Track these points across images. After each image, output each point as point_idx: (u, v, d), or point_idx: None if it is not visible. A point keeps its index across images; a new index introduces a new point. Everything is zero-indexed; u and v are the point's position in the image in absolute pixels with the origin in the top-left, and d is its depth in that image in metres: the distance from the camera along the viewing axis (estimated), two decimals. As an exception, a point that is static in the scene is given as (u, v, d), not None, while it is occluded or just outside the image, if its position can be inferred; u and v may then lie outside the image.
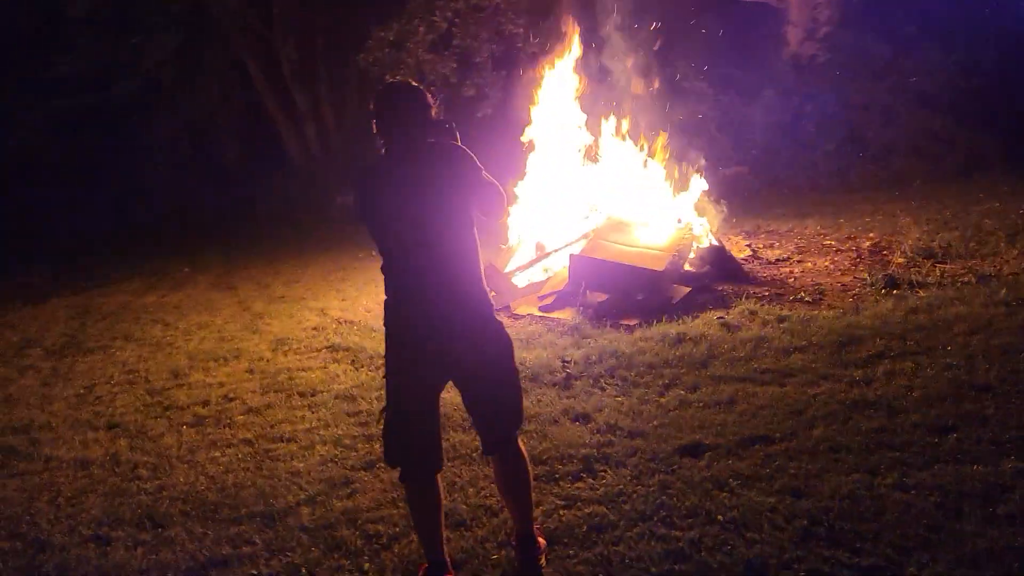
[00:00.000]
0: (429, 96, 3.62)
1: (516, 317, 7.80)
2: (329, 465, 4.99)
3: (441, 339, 3.47)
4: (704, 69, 14.77)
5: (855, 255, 9.18)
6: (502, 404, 3.61)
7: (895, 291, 7.36)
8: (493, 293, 8.03)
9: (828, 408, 5.03)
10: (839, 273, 8.43)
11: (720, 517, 3.95)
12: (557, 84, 9.14)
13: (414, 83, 3.65)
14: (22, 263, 13.77)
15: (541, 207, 9.03)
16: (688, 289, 7.89)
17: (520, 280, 8.77)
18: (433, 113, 3.63)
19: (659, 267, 7.59)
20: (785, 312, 6.92)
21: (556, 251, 8.50)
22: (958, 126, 13.95)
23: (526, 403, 5.34)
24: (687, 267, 8.39)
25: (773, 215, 12.07)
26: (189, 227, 16.41)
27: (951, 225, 9.84)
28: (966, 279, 7.49)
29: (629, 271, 7.66)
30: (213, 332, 8.66)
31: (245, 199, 17.49)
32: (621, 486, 4.35)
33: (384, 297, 3.61)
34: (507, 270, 8.91)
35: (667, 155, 9.11)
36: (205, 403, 6.39)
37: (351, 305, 9.20)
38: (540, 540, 3.82)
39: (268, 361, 7.33)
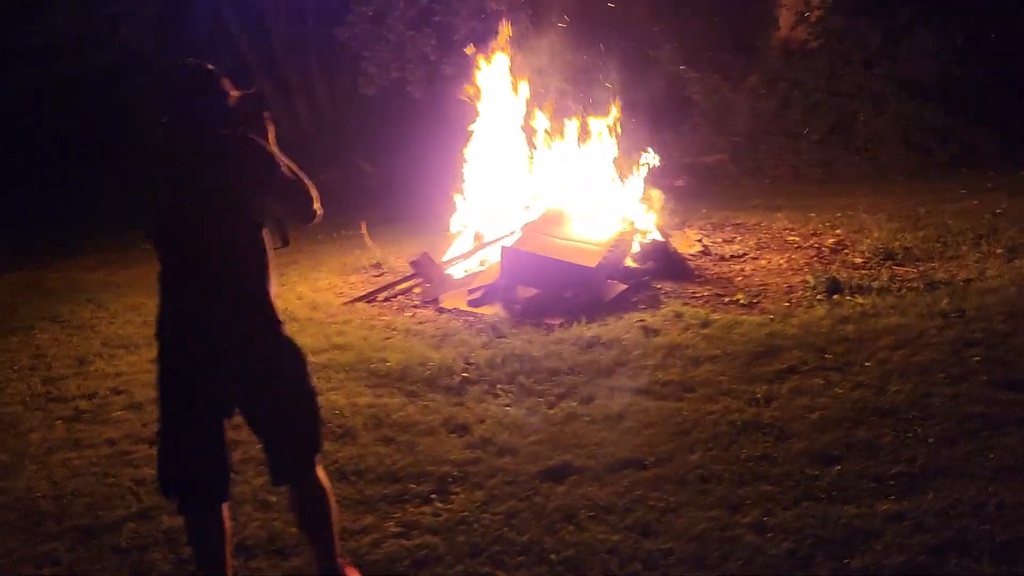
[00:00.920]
0: (227, 82, 3.23)
1: (442, 311, 7.46)
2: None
3: (217, 356, 3.10)
4: (681, 51, 14.22)
5: (814, 253, 8.76)
6: (293, 431, 3.25)
7: (836, 296, 6.90)
8: (427, 285, 7.69)
9: (716, 429, 4.64)
10: (790, 272, 8.02)
11: (553, 556, 3.60)
12: (502, 66, 8.70)
13: (210, 66, 3.25)
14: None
15: (483, 194, 8.62)
16: (624, 287, 7.51)
17: (458, 270, 8.39)
18: (232, 101, 3.24)
19: (591, 263, 7.20)
20: (713, 316, 6.52)
21: (493, 242, 8.11)
22: (951, 117, 13.36)
23: (413, 409, 5.04)
24: (629, 263, 7.98)
25: (746, 207, 11.63)
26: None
27: (922, 223, 9.39)
28: (915, 285, 7.05)
29: (560, 266, 7.27)
30: (140, 315, 8.34)
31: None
32: (466, 512, 3.99)
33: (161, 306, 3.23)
34: (445, 259, 8.54)
35: (618, 142, 8.64)
36: (91, 396, 6.08)
37: (288, 291, 8.85)
38: (349, 574, 3.46)
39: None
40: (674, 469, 4.25)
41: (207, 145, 3.11)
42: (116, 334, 7.72)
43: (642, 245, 7.95)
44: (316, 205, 3.28)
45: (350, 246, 10.20)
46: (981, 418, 4.50)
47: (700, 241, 8.65)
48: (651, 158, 8.57)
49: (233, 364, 3.12)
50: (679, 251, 8.43)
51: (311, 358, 6.24)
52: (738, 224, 10.43)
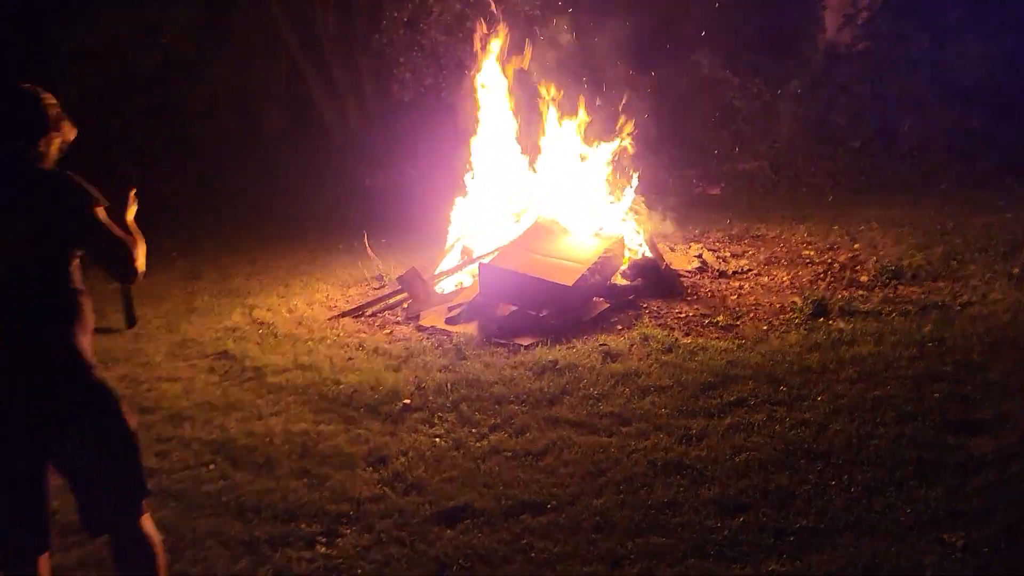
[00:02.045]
0: (52, 112, 3.10)
1: (421, 328, 7.30)
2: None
3: (16, 401, 2.97)
4: (726, 56, 13.80)
5: (823, 270, 8.38)
6: (105, 478, 3.10)
7: (821, 319, 6.55)
8: (411, 301, 7.55)
9: (635, 470, 4.39)
10: (789, 292, 7.67)
11: (408, 611, 3.38)
12: (499, 73, 8.50)
13: (41, 92, 3.12)
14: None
15: (477, 206, 8.44)
16: (607, 305, 7.25)
17: (449, 285, 8.24)
18: (61, 135, 3.11)
19: (568, 282, 6.96)
20: (683, 340, 6.25)
21: (481, 257, 7.92)
22: (998, 123, 12.68)
23: (344, 439, 4.92)
24: (619, 280, 7.71)
25: (773, 217, 11.23)
26: (209, 203, 16.18)
27: (944, 238, 8.92)
28: (908, 308, 6.65)
29: (537, 284, 7.06)
30: (131, 330, 8.35)
31: (277, 175, 17.23)
32: (342, 560, 3.84)
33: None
34: (436, 272, 8.40)
35: (620, 154, 8.37)
36: None
37: (283, 303, 8.82)
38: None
39: (147, 367, 6.97)
40: (573, 515, 4.01)
41: (16, 176, 2.99)
42: (102, 347, 7.70)
43: (631, 262, 7.66)
44: (138, 265, 3.13)
45: (363, 256, 10.09)
46: (916, 464, 4.16)
47: (699, 256, 8.30)
48: (635, 174, 8.19)
49: (35, 410, 2.99)
50: (675, 268, 8.12)
51: (271, 379, 6.23)
52: (757, 236, 10.07)
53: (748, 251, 9.32)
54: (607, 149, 8.29)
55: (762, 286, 7.89)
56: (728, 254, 9.09)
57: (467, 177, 8.60)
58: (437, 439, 5.06)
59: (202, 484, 4.72)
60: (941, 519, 3.69)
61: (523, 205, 8.21)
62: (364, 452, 4.96)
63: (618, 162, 8.41)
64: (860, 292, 7.28)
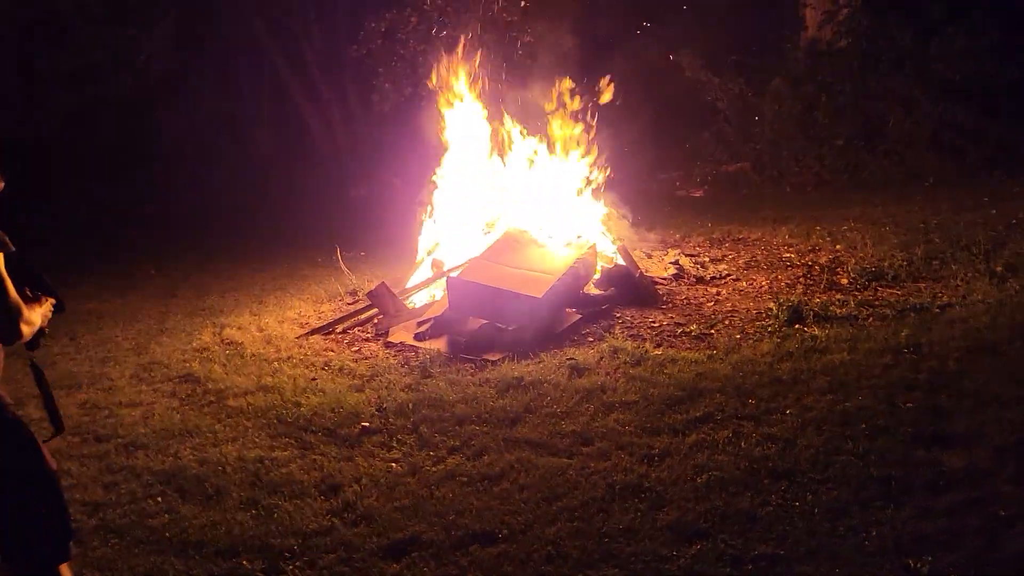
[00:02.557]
0: None
1: (389, 345, 7.12)
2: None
3: None
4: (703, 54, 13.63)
5: (804, 273, 8.21)
6: (21, 523, 2.92)
7: (797, 325, 6.37)
8: (380, 316, 7.37)
9: (592, 494, 4.21)
10: (767, 296, 7.50)
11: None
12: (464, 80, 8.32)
13: None
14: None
15: (448, 219, 8.25)
16: (579, 316, 7.07)
17: (422, 298, 8.06)
18: None
19: (537, 293, 6.78)
20: (654, 352, 6.07)
21: (451, 271, 7.74)
22: (986, 117, 12.49)
23: (298, 466, 4.76)
24: (592, 289, 7.53)
25: (756, 218, 11.07)
26: (192, 220, 16.01)
27: (928, 236, 8.75)
28: (885, 311, 6.48)
29: (506, 297, 6.88)
30: (97, 352, 8.18)
31: (263, 190, 17.06)
32: (280, 599, 3.61)
33: None
34: (408, 286, 8.22)
35: (593, 161, 8.19)
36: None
37: (255, 321, 8.63)
38: None
39: (110, 392, 6.79)
40: (524, 545, 3.83)
41: None
42: (53, 375, 7.51)
43: (604, 270, 7.47)
44: (22, 328, 2.93)
45: (339, 271, 9.91)
46: (883, 483, 3.98)
47: (676, 263, 8.11)
48: (601, 177, 8.00)
49: None
50: (651, 275, 7.93)
51: (232, 402, 6.04)
52: (739, 239, 9.90)
53: (728, 255, 9.15)
54: (577, 155, 8.10)
55: (740, 292, 7.71)
56: (707, 259, 8.92)
57: (435, 188, 8.40)
58: (393, 464, 4.87)
59: (147, 518, 4.54)
60: (906, 543, 3.50)
61: (494, 215, 8.01)
62: (317, 480, 4.77)
63: (591, 168, 8.22)
64: (838, 296, 7.10)
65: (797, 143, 13.35)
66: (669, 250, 9.00)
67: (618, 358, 5.98)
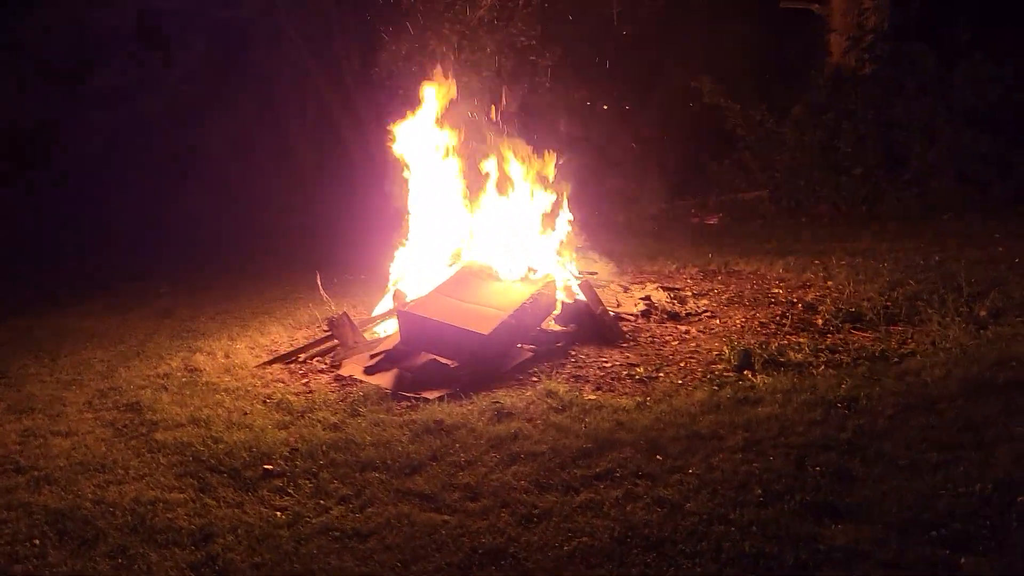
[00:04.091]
0: None
1: (338, 378, 6.96)
2: None
3: None
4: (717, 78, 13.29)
5: (784, 311, 7.89)
6: None
7: (746, 371, 6.07)
8: (339, 347, 7.23)
9: (453, 557, 4.00)
10: (736, 336, 7.18)
11: None
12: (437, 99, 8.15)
13: None
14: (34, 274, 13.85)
15: (417, 248, 8.09)
16: (529, 354, 6.84)
17: (389, 328, 7.91)
18: None
19: (485, 330, 6.58)
20: (586, 397, 5.84)
21: (406, 304, 7.56)
22: (1013, 148, 11.95)
23: (186, 510, 4.66)
24: (553, 326, 7.30)
25: (759, 250, 10.73)
26: (215, 242, 16.09)
27: (922, 274, 8.33)
28: (843, 358, 6.16)
29: (453, 332, 6.70)
30: (68, 375, 8.19)
31: (295, 211, 17.11)
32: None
33: None
34: (373, 315, 8.07)
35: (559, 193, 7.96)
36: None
37: (227, 347, 8.56)
38: None
39: (55, 418, 6.76)
40: (361, 613, 3.60)
41: None
42: (28, 394, 7.54)
43: (564, 306, 7.23)
44: None
45: (331, 294, 9.79)
46: (752, 560, 3.67)
47: (647, 299, 7.82)
48: (567, 215, 7.76)
49: None
50: (620, 310, 7.67)
51: (159, 435, 5.93)
52: (734, 271, 9.60)
53: (716, 289, 8.86)
54: (541, 189, 7.87)
55: (710, 331, 7.42)
56: (690, 293, 8.63)
57: (407, 217, 8.24)
58: (278, 513, 4.70)
59: (14, 563, 4.43)
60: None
61: (458, 247, 7.82)
62: (196, 527, 4.63)
63: (556, 200, 7.99)
64: (803, 339, 6.78)
65: (816, 172, 12.91)
66: (647, 283, 8.69)
67: (546, 402, 5.74)
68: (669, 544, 3.87)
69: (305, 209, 17.02)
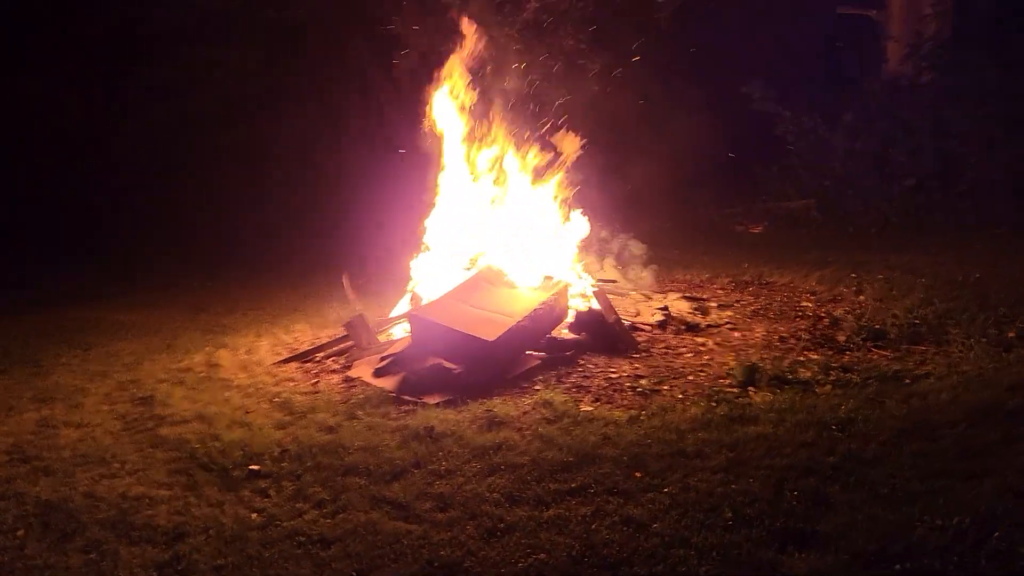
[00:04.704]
0: None
1: (348, 380, 6.98)
2: None
3: None
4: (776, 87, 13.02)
5: (809, 325, 7.72)
6: None
7: (750, 388, 5.92)
8: (354, 348, 7.27)
9: (408, 569, 3.99)
10: (752, 351, 7.04)
11: None
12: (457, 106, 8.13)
13: None
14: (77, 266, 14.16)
15: (438, 251, 8.08)
16: (537, 361, 6.78)
17: (403, 330, 7.92)
18: None
19: (490, 336, 6.53)
20: (582, 408, 5.77)
21: (423, 307, 7.55)
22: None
23: (169, 508, 4.74)
24: (565, 333, 7.23)
25: (797, 260, 10.48)
26: (263, 235, 16.19)
27: (957, 292, 8.09)
28: (853, 378, 5.98)
29: (460, 338, 6.67)
30: (95, 366, 8.36)
31: (345, 208, 17.18)
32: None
33: None
34: (391, 316, 8.09)
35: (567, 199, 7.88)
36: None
37: (251, 344, 8.66)
38: None
39: (73, 409, 6.89)
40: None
41: None
42: (55, 383, 7.70)
43: (576, 314, 7.15)
44: None
45: (363, 294, 9.81)
46: (701, 586, 3.55)
47: (664, 309, 7.69)
48: (583, 221, 7.66)
49: None
50: (638, 320, 7.55)
51: (164, 431, 6.01)
52: (766, 283, 9.42)
53: (744, 300, 8.69)
54: (555, 191, 7.79)
55: (727, 343, 7.28)
56: (716, 304, 8.47)
57: (427, 220, 8.23)
58: (254, 514, 4.72)
59: (-7, 553, 4.50)
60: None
61: (478, 251, 7.78)
62: (172, 526, 4.67)
63: (574, 205, 7.91)
64: (815, 356, 6.59)
65: (868, 182, 12.57)
66: (672, 293, 8.55)
67: (540, 412, 5.67)
68: (625, 566, 3.78)
69: (354, 207, 17.08)
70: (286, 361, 7.70)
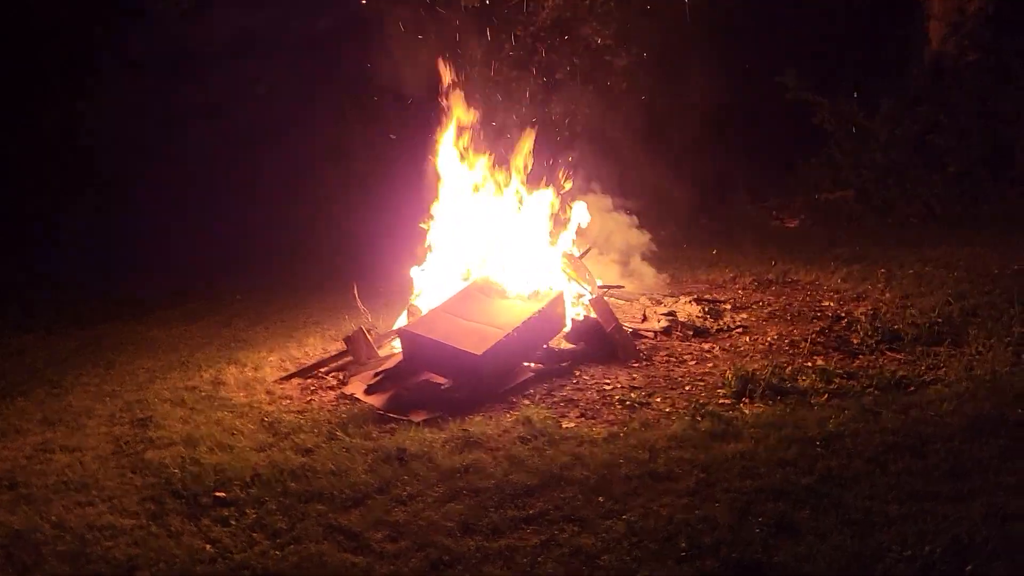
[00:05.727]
0: None
1: (342, 396, 6.86)
2: None
3: None
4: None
5: (825, 327, 7.37)
6: None
7: (743, 399, 5.63)
8: (353, 364, 7.15)
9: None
10: (758, 356, 6.74)
11: None
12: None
13: None
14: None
15: (436, 263, 7.91)
16: (531, 374, 6.56)
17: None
18: None
19: (478, 350, 6.34)
20: (566, 425, 5.56)
21: (416, 320, 7.39)
22: None
23: (129, 540, 4.63)
24: (563, 343, 6.99)
25: (828, 256, 10.07)
26: (296, 251, 16.22)
27: (989, 288, 7.62)
28: (853, 385, 5.62)
29: (448, 352, 6.48)
30: (111, 386, 8.35)
31: (390, 220, 17.13)
32: None
33: None
34: (393, 328, 7.94)
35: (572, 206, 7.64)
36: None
37: (263, 359, 8.59)
38: None
39: (75, 432, 6.86)
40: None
41: None
42: (67, 404, 7.70)
43: (573, 323, 6.90)
44: None
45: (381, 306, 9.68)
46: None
47: (670, 315, 7.40)
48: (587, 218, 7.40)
49: None
50: (641, 327, 7.28)
51: (149, 454, 5.94)
52: (790, 281, 9.08)
53: (763, 300, 8.37)
54: (550, 200, 7.55)
55: (735, 349, 6.98)
56: (730, 306, 8.15)
57: (428, 231, 8.05)
58: (208, 546, 4.60)
59: (-54, 588, 4.44)
60: None
61: (473, 262, 7.58)
62: (125, 559, 4.58)
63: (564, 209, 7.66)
64: (821, 362, 6.25)
65: (910, 171, 12.04)
66: (684, 296, 8.24)
67: (517, 431, 5.46)
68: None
69: (393, 220, 16.99)
70: (288, 378, 7.59)
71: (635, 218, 9.55)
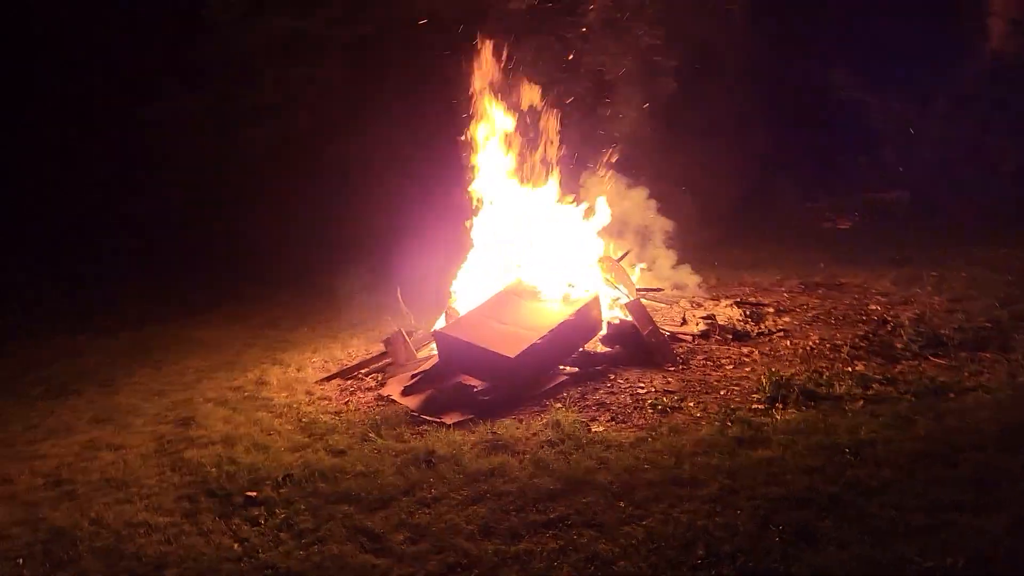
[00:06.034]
0: None
1: (380, 398, 6.93)
2: None
3: None
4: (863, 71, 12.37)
5: (867, 332, 7.23)
6: None
7: (777, 404, 5.57)
8: (392, 365, 7.23)
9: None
10: (797, 362, 6.66)
11: None
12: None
13: None
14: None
15: (476, 266, 7.94)
16: (564, 377, 6.56)
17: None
18: None
19: (511, 353, 6.36)
20: (595, 429, 5.55)
21: (455, 322, 7.42)
22: None
23: (161, 536, 4.73)
24: (599, 346, 6.98)
25: (877, 258, 9.90)
26: (347, 247, 16.32)
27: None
28: (890, 392, 5.53)
29: (482, 354, 6.50)
30: (159, 385, 8.52)
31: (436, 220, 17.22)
32: None
33: None
34: (432, 331, 7.99)
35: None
36: None
37: (305, 360, 8.71)
38: None
39: (123, 430, 7.03)
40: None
41: None
42: (116, 403, 7.87)
43: (609, 326, 6.88)
44: None
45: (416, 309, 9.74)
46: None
47: (708, 318, 7.34)
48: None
49: None
50: (680, 330, 7.23)
51: (189, 453, 6.06)
52: (836, 284, 8.96)
53: (808, 304, 8.27)
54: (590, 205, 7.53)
55: (775, 353, 6.91)
56: (773, 309, 8.05)
57: (471, 233, 8.08)
58: (236, 545, 4.68)
59: (-14, 583, 4.58)
60: None
61: (512, 265, 7.59)
62: (156, 556, 4.67)
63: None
64: (860, 368, 6.14)
65: (965, 170, 11.78)
66: (724, 299, 8.16)
67: (546, 434, 5.45)
68: (574, 610, 3.52)
69: (439, 221, 17.05)
70: (329, 379, 7.67)
71: (672, 222, 9.47)
